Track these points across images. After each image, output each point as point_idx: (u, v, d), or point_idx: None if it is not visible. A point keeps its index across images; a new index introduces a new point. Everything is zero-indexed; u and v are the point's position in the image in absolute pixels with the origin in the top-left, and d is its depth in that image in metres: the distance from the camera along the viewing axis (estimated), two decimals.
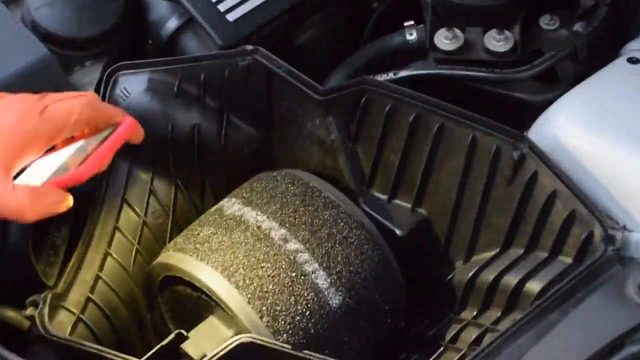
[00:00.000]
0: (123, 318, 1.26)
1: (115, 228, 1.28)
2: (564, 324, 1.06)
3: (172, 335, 1.18)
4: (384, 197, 1.30)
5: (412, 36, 1.39)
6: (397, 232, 1.27)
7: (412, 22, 1.40)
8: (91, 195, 1.30)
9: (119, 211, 1.29)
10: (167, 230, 1.32)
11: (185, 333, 1.18)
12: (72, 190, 1.23)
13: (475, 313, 1.26)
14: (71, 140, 1.18)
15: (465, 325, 1.25)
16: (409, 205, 1.29)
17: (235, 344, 1.07)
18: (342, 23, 1.47)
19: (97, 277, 1.24)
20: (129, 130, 1.20)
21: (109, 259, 1.26)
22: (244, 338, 1.07)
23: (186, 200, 1.35)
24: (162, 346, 1.16)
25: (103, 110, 1.19)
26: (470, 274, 1.25)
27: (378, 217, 1.28)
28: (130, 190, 1.31)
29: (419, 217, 1.28)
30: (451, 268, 1.29)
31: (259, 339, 1.08)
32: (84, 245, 1.25)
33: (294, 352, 1.08)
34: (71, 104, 1.13)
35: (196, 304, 1.22)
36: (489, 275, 1.23)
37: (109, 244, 1.27)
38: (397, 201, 1.30)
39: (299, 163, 1.33)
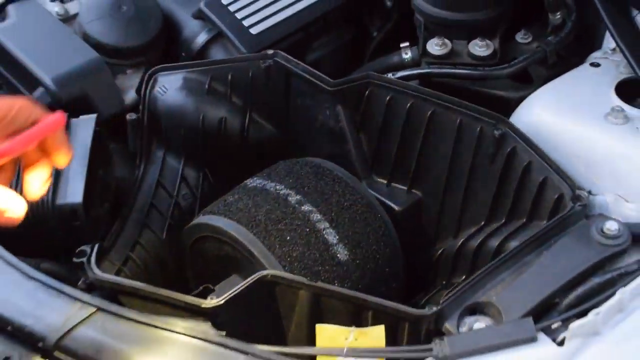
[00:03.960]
0: (156, 279, 1.41)
1: (152, 204, 1.45)
2: (538, 262, 1.22)
3: (200, 288, 1.32)
4: (384, 181, 1.47)
5: (407, 55, 1.59)
6: (395, 207, 1.43)
7: (407, 44, 1.60)
8: (129, 179, 1.49)
9: (155, 191, 1.46)
10: (195, 211, 1.49)
11: (211, 286, 1.33)
12: (114, 174, 1.43)
13: (463, 277, 1.41)
14: None
15: (454, 287, 1.40)
16: (406, 188, 1.46)
17: (256, 277, 1.21)
18: (345, 44, 1.68)
19: (136, 242, 1.40)
20: (57, 124, 1.09)
21: (145, 229, 1.43)
22: (264, 273, 1.22)
23: (212, 186, 1.52)
24: (192, 296, 1.30)
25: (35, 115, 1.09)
26: (458, 245, 1.41)
27: (379, 196, 1.45)
28: (164, 174, 1.48)
29: (414, 197, 1.45)
30: (443, 243, 1.45)
31: (278, 274, 1.23)
32: (124, 217, 1.42)
33: (309, 283, 1.22)
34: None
35: (221, 265, 1.37)
36: (474, 243, 1.39)
37: (146, 216, 1.43)
38: (395, 184, 1.47)
39: (311, 154, 1.51)
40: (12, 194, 1.06)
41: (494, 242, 1.36)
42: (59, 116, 1.09)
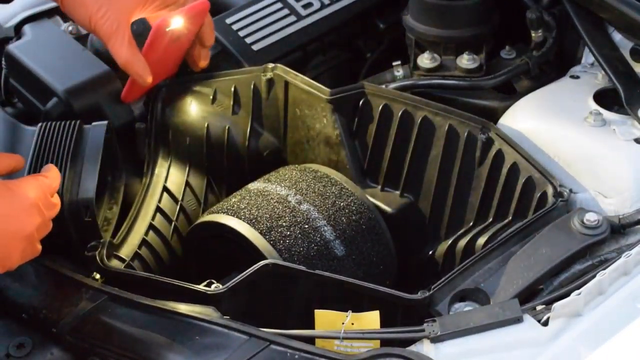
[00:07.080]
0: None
1: (158, 208, 1.50)
2: (523, 251, 1.28)
3: (205, 282, 1.37)
4: (378, 186, 1.53)
5: (399, 72, 1.66)
6: (388, 210, 1.49)
7: (399, 62, 1.67)
8: (137, 185, 1.54)
9: (161, 196, 1.52)
10: (198, 215, 1.54)
11: (214, 281, 1.38)
12: (122, 179, 1.49)
13: None
14: None
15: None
16: (398, 192, 1.52)
17: (259, 266, 1.26)
18: (340, 65, 1.75)
19: (143, 241, 1.45)
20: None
21: (152, 230, 1.48)
22: (266, 262, 1.26)
23: (215, 193, 1.58)
24: (195, 288, 1.34)
25: None
26: (448, 245, 1.47)
27: (373, 200, 1.50)
28: (170, 180, 1.54)
29: (406, 200, 1.51)
30: (435, 244, 1.50)
31: (279, 263, 1.28)
32: (132, 218, 1.46)
33: (308, 271, 1.27)
34: None
35: (223, 266, 1.41)
36: (463, 243, 1.45)
37: (153, 218, 1.48)
38: (388, 189, 1.52)
39: (309, 161, 1.56)
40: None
41: (481, 241, 1.42)
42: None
